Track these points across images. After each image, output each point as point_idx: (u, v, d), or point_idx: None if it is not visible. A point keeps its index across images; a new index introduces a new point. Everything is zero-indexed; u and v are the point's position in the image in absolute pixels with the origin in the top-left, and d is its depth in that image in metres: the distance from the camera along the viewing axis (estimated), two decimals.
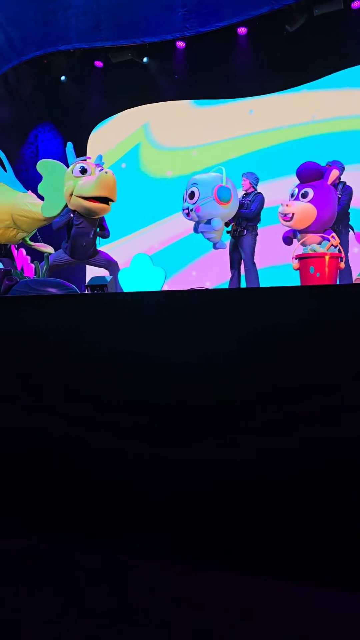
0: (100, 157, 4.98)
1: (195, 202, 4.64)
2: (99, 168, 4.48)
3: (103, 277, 3.56)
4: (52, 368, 2.38)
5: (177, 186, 8.17)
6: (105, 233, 4.79)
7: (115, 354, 2.26)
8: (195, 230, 4.96)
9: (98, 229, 4.68)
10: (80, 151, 8.98)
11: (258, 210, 5.10)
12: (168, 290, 2.50)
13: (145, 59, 8.01)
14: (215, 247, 5.00)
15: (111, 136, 9.00)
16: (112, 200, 4.42)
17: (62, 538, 2.12)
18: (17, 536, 2.15)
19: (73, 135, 9.03)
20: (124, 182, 9.13)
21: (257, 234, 5.15)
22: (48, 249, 5.41)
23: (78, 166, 4.42)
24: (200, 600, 1.67)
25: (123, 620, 1.53)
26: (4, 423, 2.43)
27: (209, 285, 7.21)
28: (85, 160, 4.62)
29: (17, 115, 8.67)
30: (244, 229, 5.03)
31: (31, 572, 1.86)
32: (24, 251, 6.18)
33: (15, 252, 6.41)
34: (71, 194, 4.34)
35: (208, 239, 4.88)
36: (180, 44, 7.64)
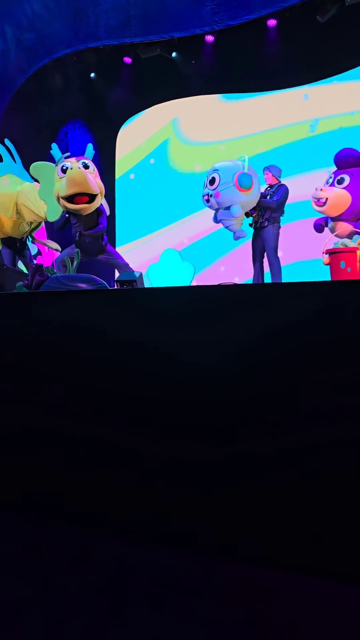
0: (90, 146, 4.89)
1: (215, 188, 4.56)
2: (81, 161, 4.40)
3: (132, 273, 3.59)
4: (83, 363, 2.41)
5: None
6: (100, 227, 4.62)
7: (145, 349, 2.28)
8: (215, 219, 4.87)
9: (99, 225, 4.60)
10: (110, 147, 9.08)
11: (281, 201, 4.97)
12: (197, 286, 2.51)
13: (174, 54, 8.01)
14: (235, 236, 4.88)
15: (140, 132, 9.05)
16: (92, 194, 4.28)
17: (88, 527, 2.16)
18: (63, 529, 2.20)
19: (102, 131, 9.12)
20: (152, 178, 9.22)
21: (279, 226, 5.03)
22: (55, 245, 5.44)
23: (59, 166, 4.38)
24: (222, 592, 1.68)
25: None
26: (33, 417, 2.48)
27: (237, 280, 7.19)
28: (66, 158, 4.55)
29: (47, 113, 8.79)
30: (265, 220, 4.92)
31: (77, 566, 1.90)
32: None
33: (45, 249, 6.52)
34: (59, 197, 4.34)
35: (227, 227, 4.77)
36: (209, 38, 7.61)
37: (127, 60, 8.38)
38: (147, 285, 4.09)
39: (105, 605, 1.56)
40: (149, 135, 8.98)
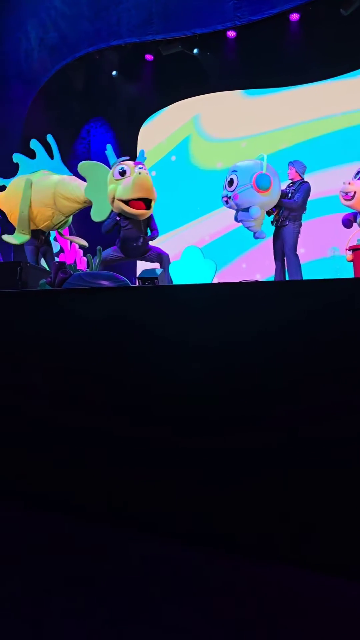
0: (142, 152, 4.96)
1: (234, 190, 4.55)
2: (138, 166, 4.44)
3: (154, 270, 3.60)
4: (105, 360, 2.43)
5: None
6: (153, 234, 4.72)
7: (166, 346, 2.29)
8: (236, 218, 4.87)
9: (149, 230, 4.66)
10: (131, 145, 9.11)
11: (303, 200, 4.89)
12: (219, 283, 2.51)
13: (195, 50, 7.99)
14: (255, 236, 4.84)
15: (161, 129, 9.05)
16: (152, 200, 4.37)
17: (120, 526, 2.17)
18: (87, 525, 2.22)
19: (124, 129, 9.16)
20: (174, 175, 9.22)
21: (300, 224, 4.96)
22: (83, 242, 5.44)
23: (117, 168, 4.40)
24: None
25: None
26: (55, 414, 2.50)
27: (259, 277, 7.16)
28: (124, 161, 4.58)
29: (69, 111, 8.86)
30: (286, 219, 4.88)
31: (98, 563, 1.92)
32: (76, 245, 6.33)
33: (68, 246, 6.57)
34: (113, 198, 4.35)
35: (247, 227, 4.76)
36: (231, 34, 7.57)
37: (149, 57, 8.39)
38: (168, 282, 4.10)
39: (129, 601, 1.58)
40: (170, 132, 8.98)
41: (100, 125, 9.32)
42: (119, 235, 4.61)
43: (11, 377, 2.65)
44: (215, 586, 1.71)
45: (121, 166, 4.39)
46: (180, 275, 4.45)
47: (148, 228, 4.70)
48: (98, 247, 4.33)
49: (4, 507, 2.38)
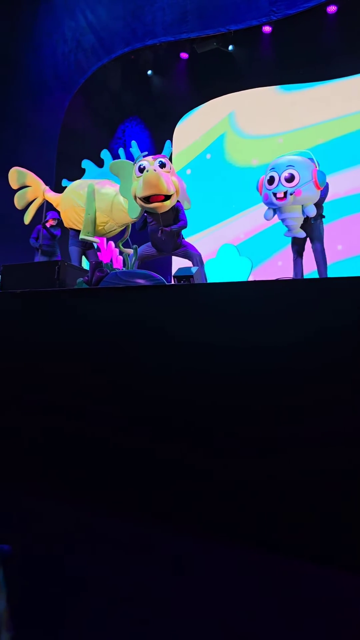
0: (168, 143, 4.95)
1: (296, 186, 4.48)
2: (158, 160, 4.43)
3: (189, 268, 3.60)
4: (140, 356, 2.46)
5: (263, 175, 8.04)
6: (180, 224, 4.69)
7: (202, 344, 2.29)
8: (270, 216, 4.76)
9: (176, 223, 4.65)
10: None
11: (326, 196, 4.94)
12: (255, 281, 2.50)
13: (230, 47, 7.95)
14: (288, 233, 4.80)
15: (196, 127, 9.04)
16: (167, 195, 4.35)
17: (152, 523, 2.20)
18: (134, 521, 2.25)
19: (159, 128, 9.19)
20: (208, 173, 9.20)
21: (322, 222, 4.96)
22: (131, 252, 5.58)
23: (137, 165, 4.43)
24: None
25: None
26: (92, 408, 2.55)
27: (293, 276, 7.07)
28: (144, 157, 4.59)
29: (105, 111, 8.96)
30: (315, 217, 4.86)
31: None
32: (112, 244, 6.40)
33: (104, 244, 6.66)
34: (135, 197, 4.41)
35: (289, 226, 4.70)
36: (267, 29, 7.50)
37: (184, 55, 8.40)
38: (203, 280, 4.10)
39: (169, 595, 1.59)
40: (205, 130, 8.96)
41: (135, 124, 9.39)
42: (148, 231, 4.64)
43: (49, 373, 2.71)
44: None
45: (141, 163, 4.41)
46: (216, 273, 4.42)
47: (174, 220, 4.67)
48: (134, 246, 4.37)
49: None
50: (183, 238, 4.76)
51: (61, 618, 1.50)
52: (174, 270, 5.34)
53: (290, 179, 4.43)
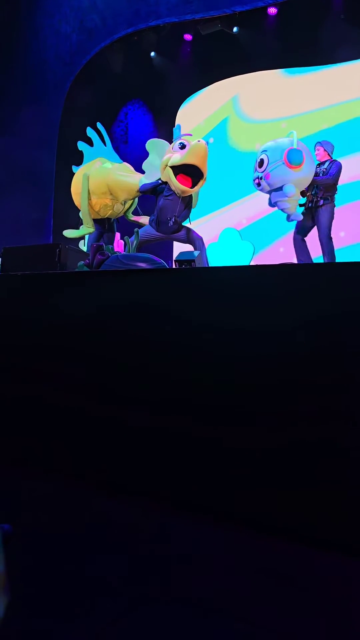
0: (178, 127, 4.88)
1: (265, 169, 4.28)
2: (197, 139, 4.45)
3: (191, 252, 3.59)
4: (141, 340, 2.45)
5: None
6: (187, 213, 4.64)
7: (202, 328, 2.29)
8: (270, 202, 4.60)
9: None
10: (169, 127, 9.03)
11: (336, 178, 4.60)
12: (257, 265, 2.48)
13: (235, 29, 7.83)
14: (289, 219, 4.57)
15: (199, 110, 8.94)
16: (200, 177, 4.33)
17: (157, 502, 2.21)
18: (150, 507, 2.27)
19: (162, 111, 9.09)
20: (211, 157, 9.04)
21: (334, 206, 4.67)
22: (146, 220, 5.53)
23: (178, 143, 4.40)
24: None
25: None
26: (90, 392, 2.55)
27: (296, 261, 7.04)
28: (185, 136, 4.57)
29: (108, 94, 8.85)
30: (321, 199, 4.55)
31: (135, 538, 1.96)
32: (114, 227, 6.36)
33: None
34: (166, 166, 4.36)
35: (282, 209, 4.46)
36: (272, 10, 7.38)
37: (188, 37, 8.28)
38: (205, 264, 4.08)
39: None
40: (209, 114, 8.86)
41: (138, 107, 9.28)
42: (157, 204, 4.54)
43: (49, 357, 2.71)
44: None
45: (182, 141, 4.37)
46: (217, 258, 4.38)
47: (187, 210, 4.61)
48: (135, 229, 4.35)
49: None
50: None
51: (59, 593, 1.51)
52: (175, 255, 5.30)
53: (260, 163, 4.35)
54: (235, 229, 4.77)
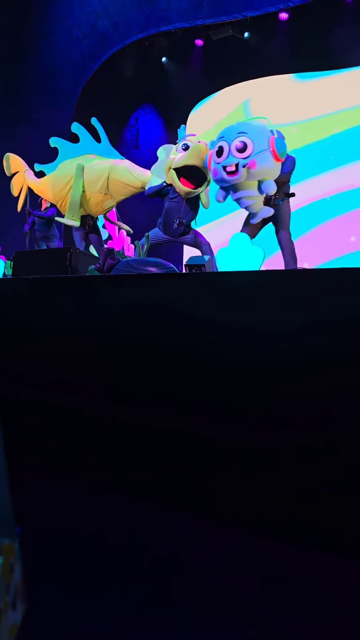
0: (183, 128, 4.88)
1: (249, 156, 3.57)
2: (198, 139, 4.45)
3: (201, 257, 3.58)
4: (151, 345, 2.45)
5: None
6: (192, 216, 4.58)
7: (213, 333, 2.28)
8: (221, 196, 4.03)
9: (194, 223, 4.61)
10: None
11: (290, 174, 4.18)
12: (267, 270, 2.47)
13: (246, 34, 7.85)
14: (257, 217, 4.09)
15: (210, 115, 8.96)
16: (203, 178, 4.29)
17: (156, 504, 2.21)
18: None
19: (173, 116, 9.12)
20: None
21: (289, 203, 4.26)
22: (127, 228, 5.51)
23: (183, 143, 4.41)
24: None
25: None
26: (100, 396, 2.55)
27: (307, 265, 7.02)
28: (189, 137, 4.58)
29: (118, 99, 8.90)
30: (279, 196, 4.12)
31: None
32: (124, 232, 6.39)
33: (116, 233, 6.64)
34: (169, 168, 4.36)
35: (246, 206, 3.96)
36: (283, 16, 7.39)
37: (199, 42, 8.31)
38: (214, 269, 4.07)
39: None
40: (219, 118, 8.87)
41: (149, 112, 9.32)
42: (163, 207, 4.54)
43: (61, 362, 2.72)
44: None
45: (185, 142, 4.36)
46: (228, 262, 4.37)
47: (194, 212, 4.57)
48: (146, 234, 4.36)
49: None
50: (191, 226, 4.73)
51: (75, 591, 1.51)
52: (185, 259, 5.31)
53: (243, 148, 3.64)
54: (245, 234, 4.75)
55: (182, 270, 4.27)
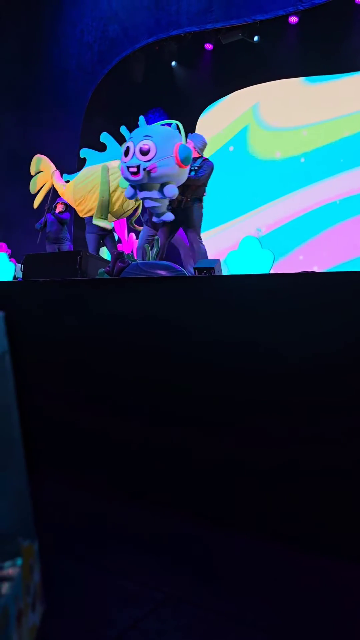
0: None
1: (151, 160, 3.71)
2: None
3: (211, 260, 3.59)
4: (161, 348, 2.45)
5: (286, 168, 7.98)
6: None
7: (222, 336, 2.28)
8: (131, 194, 4.13)
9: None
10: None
11: (206, 178, 4.35)
12: (276, 273, 2.47)
13: (256, 38, 7.86)
14: (158, 220, 4.16)
15: (219, 119, 8.98)
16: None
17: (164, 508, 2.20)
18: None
19: (182, 120, 9.13)
20: (231, 165, 9.12)
21: (202, 206, 4.39)
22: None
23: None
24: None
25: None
26: (109, 399, 2.55)
27: (316, 269, 7.00)
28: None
29: (128, 103, 8.93)
30: (189, 200, 4.24)
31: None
32: (133, 236, 6.41)
33: (125, 236, 6.67)
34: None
35: (150, 207, 4.04)
36: (293, 19, 7.40)
37: (208, 46, 8.33)
38: (224, 272, 4.07)
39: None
40: (229, 122, 8.90)
41: (158, 116, 9.34)
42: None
43: (71, 365, 2.72)
44: None
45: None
46: (237, 266, 4.36)
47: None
48: (155, 237, 4.37)
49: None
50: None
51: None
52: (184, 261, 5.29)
53: (146, 151, 3.74)
54: (255, 237, 4.74)
55: (192, 273, 4.27)
